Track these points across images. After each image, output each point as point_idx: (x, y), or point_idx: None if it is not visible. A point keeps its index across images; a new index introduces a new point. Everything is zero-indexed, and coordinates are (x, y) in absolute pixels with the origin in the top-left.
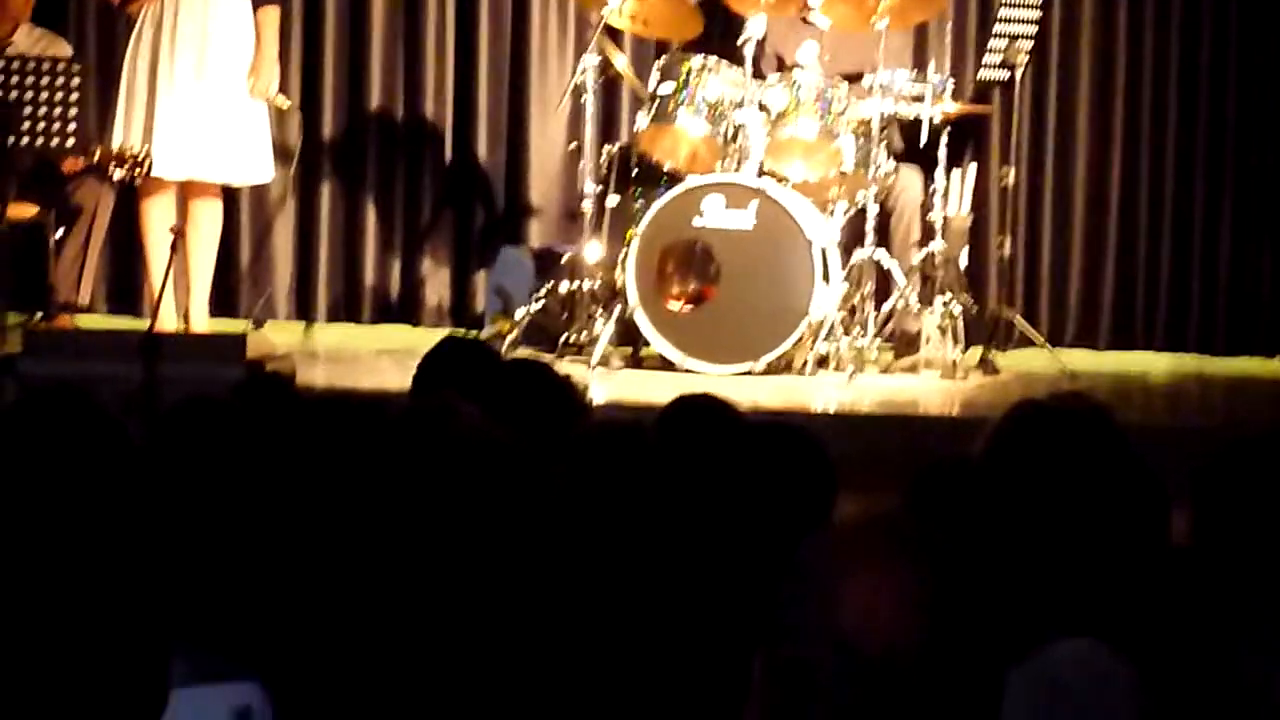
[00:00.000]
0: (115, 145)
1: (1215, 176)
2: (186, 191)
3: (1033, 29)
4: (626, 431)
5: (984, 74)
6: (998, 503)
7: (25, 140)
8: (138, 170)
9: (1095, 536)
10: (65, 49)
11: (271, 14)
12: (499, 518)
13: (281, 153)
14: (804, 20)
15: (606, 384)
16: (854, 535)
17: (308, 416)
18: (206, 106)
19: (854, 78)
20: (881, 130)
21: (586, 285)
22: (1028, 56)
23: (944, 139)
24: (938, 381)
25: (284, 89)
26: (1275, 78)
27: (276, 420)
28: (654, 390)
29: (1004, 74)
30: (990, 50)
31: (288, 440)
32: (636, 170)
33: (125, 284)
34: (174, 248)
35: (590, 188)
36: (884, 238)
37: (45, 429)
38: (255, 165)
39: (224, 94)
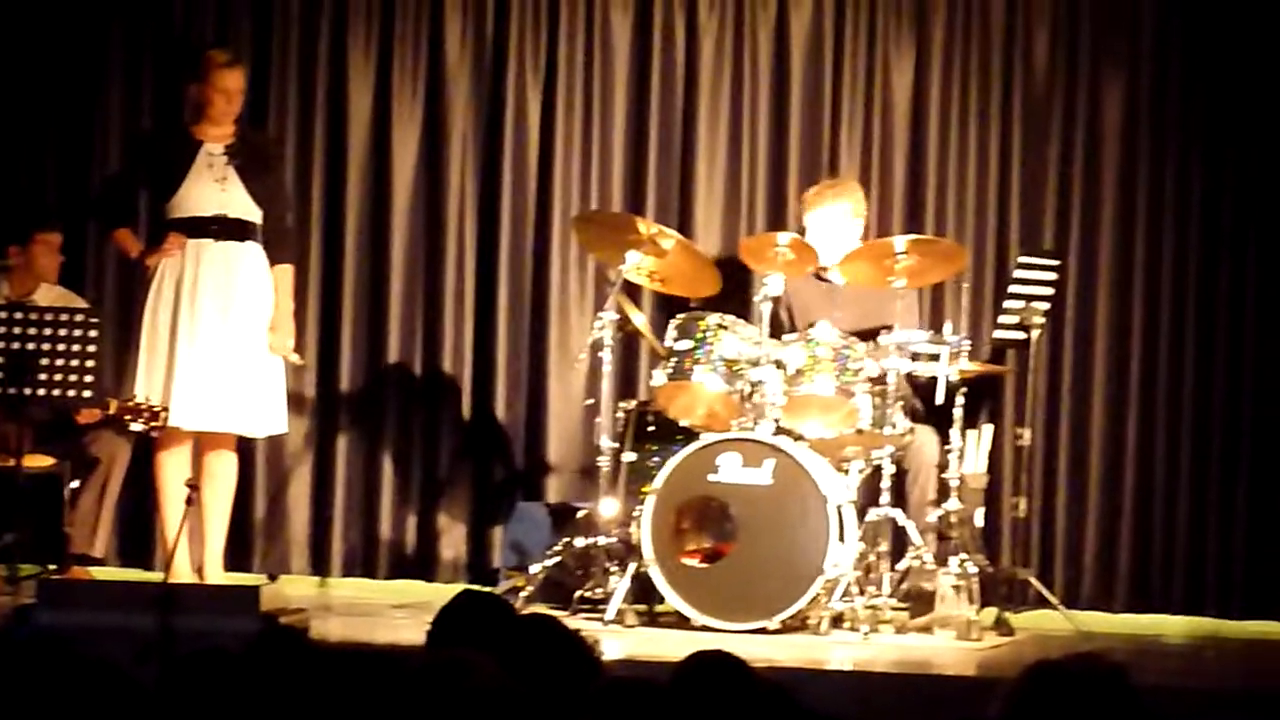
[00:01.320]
0: (133, 397)
1: (1231, 441)
2: (202, 443)
3: (1049, 290)
4: (641, 688)
5: (1000, 334)
6: None
7: (42, 390)
8: (154, 423)
9: None
10: (80, 303)
11: (288, 271)
12: None
13: (296, 403)
14: (819, 278)
15: (621, 641)
16: None
17: (324, 669)
18: (228, 359)
19: (870, 335)
20: (898, 389)
21: (602, 541)
22: (1044, 318)
23: (960, 398)
24: (953, 641)
25: (302, 341)
26: None
27: (291, 672)
28: (668, 647)
29: (1020, 334)
30: (1006, 310)
31: (303, 693)
32: (653, 427)
33: (137, 536)
34: (189, 501)
35: (606, 443)
36: (899, 496)
37: (52, 680)
38: (272, 417)
39: (245, 348)
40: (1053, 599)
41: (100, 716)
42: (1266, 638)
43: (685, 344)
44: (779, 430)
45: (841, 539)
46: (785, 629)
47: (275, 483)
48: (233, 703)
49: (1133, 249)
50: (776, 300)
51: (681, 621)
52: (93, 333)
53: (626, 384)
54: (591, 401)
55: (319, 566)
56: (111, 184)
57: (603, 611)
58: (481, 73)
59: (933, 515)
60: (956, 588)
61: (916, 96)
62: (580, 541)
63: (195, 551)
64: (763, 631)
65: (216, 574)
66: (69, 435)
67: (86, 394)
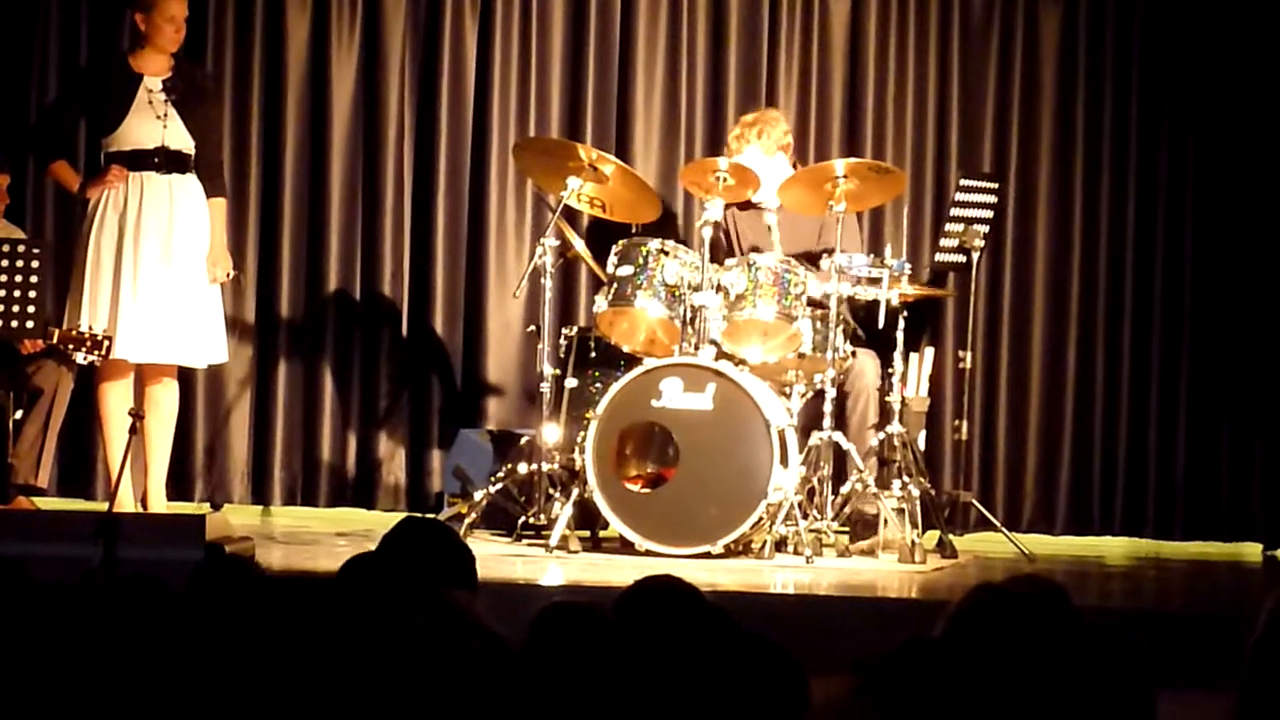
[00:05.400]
0: (76, 327)
1: (1171, 361)
2: (145, 373)
3: (989, 213)
4: (584, 612)
5: (940, 257)
6: (958, 686)
7: None
8: (98, 351)
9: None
10: (19, 234)
11: (221, 205)
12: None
13: (236, 331)
14: (754, 206)
15: (564, 566)
16: None
17: (273, 597)
18: (170, 292)
19: (810, 259)
20: (839, 314)
21: (545, 467)
22: (983, 240)
23: (901, 322)
24: (896, 564)
25: (241, 270)
26: (1232, 256)
27: (238, 600)
28: (612, 573)
29: (960, 257)
30: (946, 234)
31: (248, 620)
32: (595, 353)
33: (77, 466)
34: (133, 430)
35: (548, 370)
36: (841, 420)
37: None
38: (213, 347)
39: (186, 279)
40: (995, 521)
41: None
42: (1206, 558)
43: (626, 269)
44: (720, 355)
45: (784, 463)
46: (729, 553)
47: (215, 412)
48: (178, 629)
49: (1072, 170)
50: (717, 225)
51: (625, 547)
52: (35, 263)
53: (567, 310)
54: (533, 328)
55: (260, 495)
56: (49, 116)
57: (546, 537)
58: (418, 0)
59: (874, 439)
60: (899, 511)
61: (854, 21)
62: (523, 468)
63: (138, 481)
64: (706, 556)
65: (159, 503)
66: (12, 366)
67: (29, 324)
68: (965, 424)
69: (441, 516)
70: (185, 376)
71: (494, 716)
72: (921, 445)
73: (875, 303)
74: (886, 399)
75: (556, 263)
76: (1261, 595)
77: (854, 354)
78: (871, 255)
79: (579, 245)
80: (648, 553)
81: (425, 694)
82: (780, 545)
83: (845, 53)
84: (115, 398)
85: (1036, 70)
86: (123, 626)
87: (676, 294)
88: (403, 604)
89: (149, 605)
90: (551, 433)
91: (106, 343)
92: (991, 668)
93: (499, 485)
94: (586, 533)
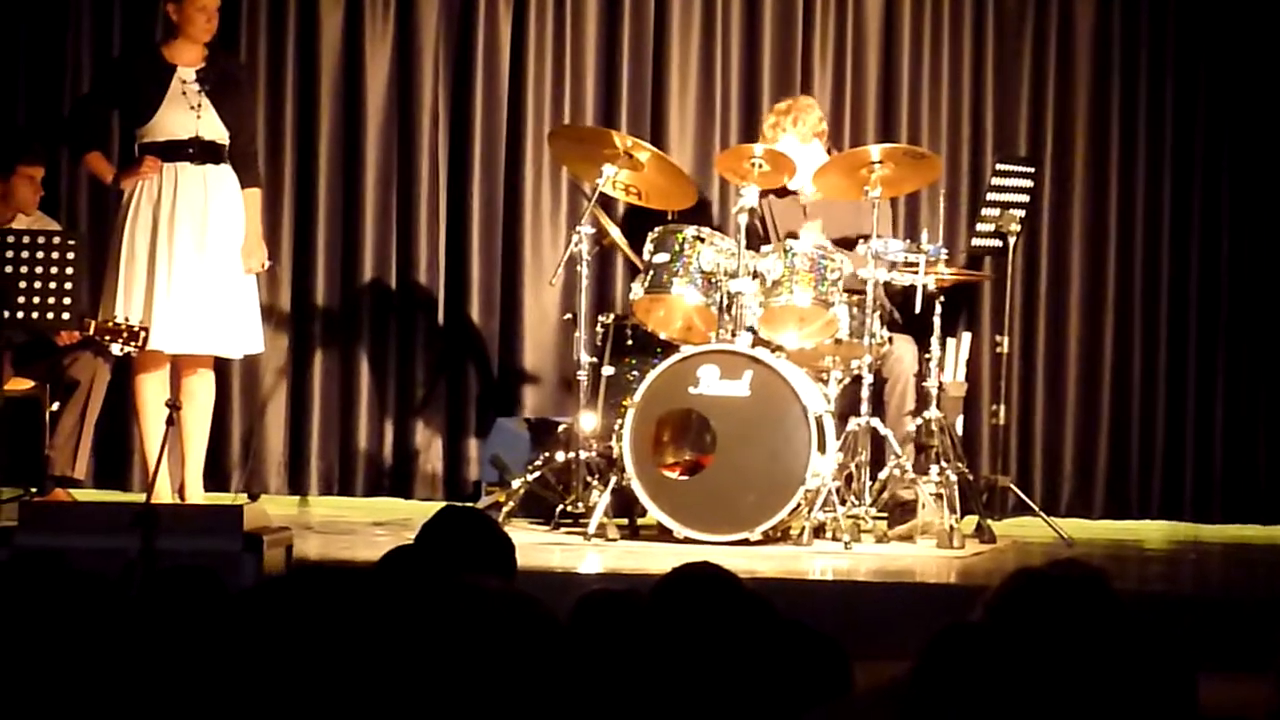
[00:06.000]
0: (112, 318)
1: (1208, 343)
2: (181, 364)
3: (1025, 197)
4: (623, 600)
5: (977, 242)
6: (999, 671)
7: (20, 314)
8: (134, 343)
9: (1100, 705)
10: (54, 226)
11: (256, 195)
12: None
13: (272, 321)
14: (791, 193)
15: (602, 554)
16: (860, 709)
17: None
18: (205, 282)
19: (847, 244)
20: (875, 299)
21: (583, 455)
22: (1020, 225)
23: (938, 307)
24: (934, 550)
25: (276, 261)
26: (1270, 239)
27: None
28: (650, 561)
29: (997, 242)
30: (983, 218)
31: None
32: (631, 340)
33: (113, 458)
34: (170, 421)
35: (585, 358)
36: (878, 406)
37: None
38: (249, 337)
39: (222, 270)
40: (1033, 505)
41: (89, 628)
42: (1244, 541)
43: (662, 257)
44: (757, 341)
45: (821, 449)
46: (767, 540)
47: (252, 402)
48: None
49: (1108, 155)
50: (752, 212)
51: (663, 534)
52: (70, 255)
53: (603, 298)
54: (570, 316)
55: (297, 485)
56: (83, 107)
57: (584, 526)
58: None
59: (912, 424)
60: (937, 496)
61: (889, 5)
62: (560, 456)
63: (175, 472)
64: (744, 543)
65: (197, 494)
66: (48, 358)
67: (65, 316)
68: (1003, 409)
69: (479, 505)
70: (221, 367)
71: (543, 690)
72: (959, 430)
73: (912, 288)
74: (924, 384)
75: (592, 250)
76: None
77: (891, 339)
78: (908, 240)
79: (615, 233)
80: (686, 540)
81: (480, 663)
82: (818, 531)
83: (880, 38)
84: (151, 389)
85: (1071, 53)
86: (169, 618)
87: (713, 281)
88: (440, 594)
89: (198, 597)
90: (589, 421)
91: (143, 334)
92: (1031, 653)
93: (536, 474)
94: (624, 520)
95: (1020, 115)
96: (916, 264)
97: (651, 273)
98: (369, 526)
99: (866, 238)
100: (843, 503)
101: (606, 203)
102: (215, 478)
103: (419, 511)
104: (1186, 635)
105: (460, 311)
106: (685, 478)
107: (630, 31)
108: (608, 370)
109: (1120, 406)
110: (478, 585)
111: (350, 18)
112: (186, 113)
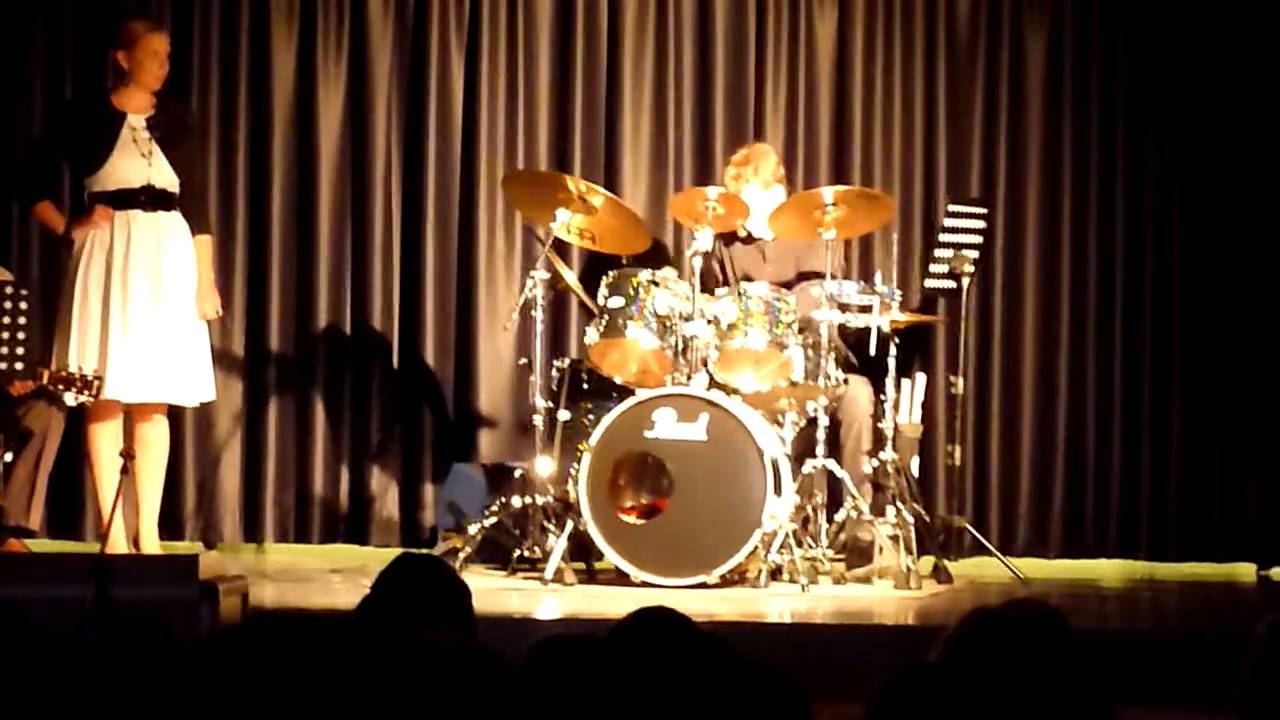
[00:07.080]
0: (66, 368)
1: (1163, 382)
2: (135, 413)
3: (978, 238)
4: (580, 644)
5: (930, 283)
6: (957, 710)
7: None
8: (88, 392)
9: None
10: (6, 276)
11: (206, 242)
12: None
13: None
14: (748, 237)
15: (560, 599)
16: None
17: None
18: (160, 330)
19: (788, 285)
20: (830, 341)
21: (539, 500)
22: (973, 266)
23: (893, 348)
24: (891, 591)
25: (229, 307)
26: (1221, 277)
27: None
28: (608, 605)
29: (951, 283)
30: (936, 259)
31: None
32: (587, 384)
33: (66, 508)
34: (124, 470)
35: (541, 402)
36: (834, 448)
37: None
38: (202, 385)
39: (175, 318)
40: (989, 546)
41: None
42: (1201, 579)
43: (617, 301)
44: (713, 385)
45: (778, 492)
46: (724, 583)
47: (206, 449)
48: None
49: (1061, 194)
50: (707, 255)
51: (621, 578)
52: (22, 304)
53: (558, 342)
54: (525, 360)
55: (252, 533)
56: (34, 156)
57: (541, 570)
58: (404, 34)
59: (868, 466)
60: (893, 537)
61: (840, 49)
62: (517, 501)
63: (130, 521)
64: (702, 586)
65: (152, 543)
66: (2, 408)
67: (18, 366)
68: (958, 449)
69: (436, 551)
70: (174, 414)
71: None
72: (915, 471)
73: (867, 330)
74: (879, 425)
75: (547, 295)
76: (1256, 615)
77: (846, 381)
78: (862, 282)
79: (569, 277)
80: (643, 584)
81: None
82: (776, 574)
83: (832, 79)
84: (105, 438)
85: (1023, 94)
86: (123, 668)
87: (668, 325)
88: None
89: (150, 646)
90: (545, 465)
91: (97, 383)
92: (988, 692)
93: (493, 519)
94: (582, 565)
95: (973, 155)
96: (871, 306)
97: (606, 317)
98: (325, 573)
99: (821, 276)
100: (800, 545)
101: (561, 247)
102: (170, 526)
103: (375, 558)
104: (1146, 672)
105: (415, 356)
106: (642, 521)
107: (583, 74)
108: (564, 415)
109: (1075, 446)
110: (430, 641)
111: (302, 62)
112: (137, 160)
